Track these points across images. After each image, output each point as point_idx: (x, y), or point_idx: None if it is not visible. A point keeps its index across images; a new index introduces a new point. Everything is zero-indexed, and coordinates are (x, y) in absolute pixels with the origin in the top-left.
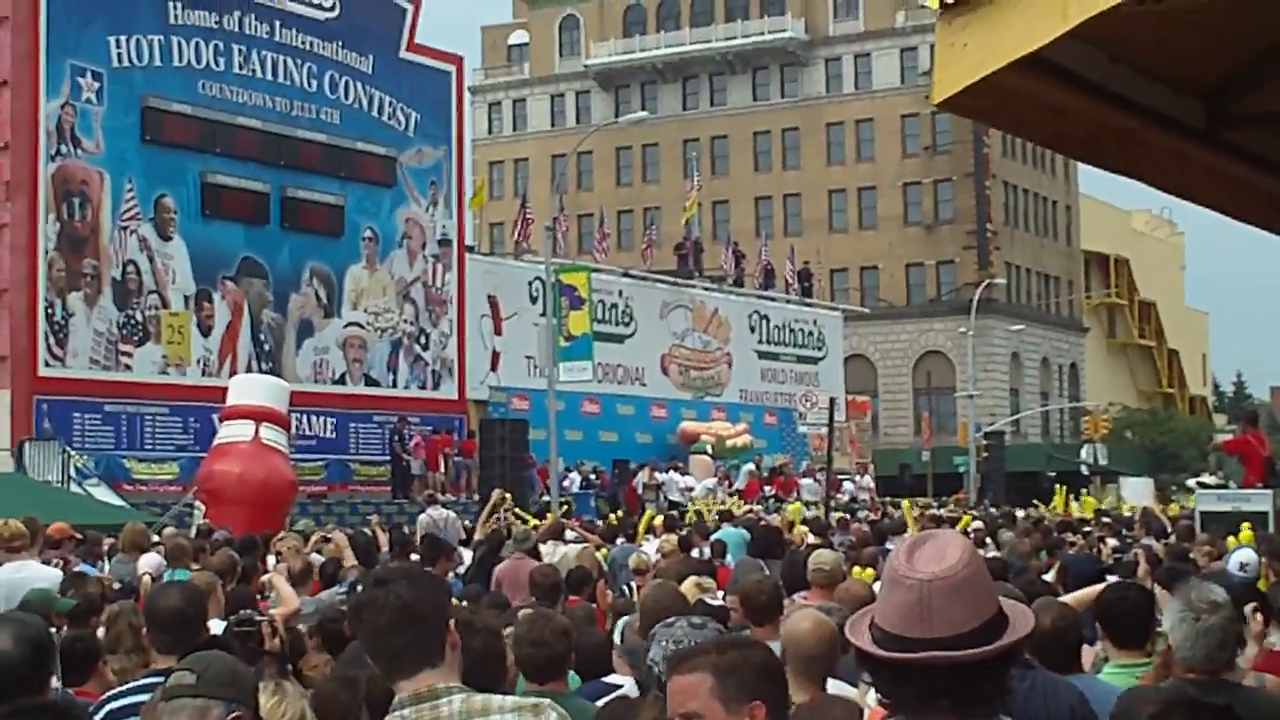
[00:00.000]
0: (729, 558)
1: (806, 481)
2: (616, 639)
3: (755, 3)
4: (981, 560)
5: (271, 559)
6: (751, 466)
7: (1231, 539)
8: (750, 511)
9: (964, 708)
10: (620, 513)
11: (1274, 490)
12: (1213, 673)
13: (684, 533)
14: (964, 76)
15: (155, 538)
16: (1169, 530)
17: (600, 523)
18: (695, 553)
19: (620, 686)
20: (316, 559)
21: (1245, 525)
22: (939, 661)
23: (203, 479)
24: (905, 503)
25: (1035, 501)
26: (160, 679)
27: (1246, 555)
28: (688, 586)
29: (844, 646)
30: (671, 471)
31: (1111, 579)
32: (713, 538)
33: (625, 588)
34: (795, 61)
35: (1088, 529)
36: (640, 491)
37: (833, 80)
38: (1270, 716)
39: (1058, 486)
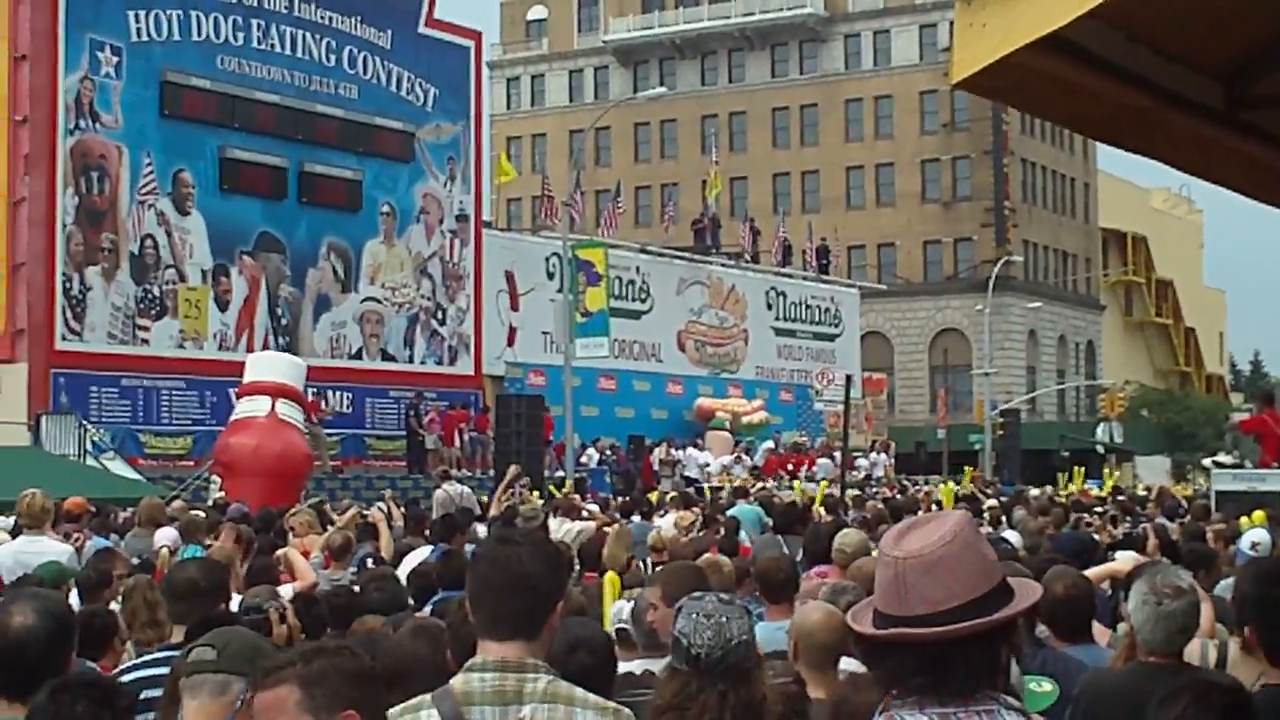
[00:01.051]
0: (742, 534)
1: (822, 460)
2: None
3: None
4: (973, 539)
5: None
6: (770, 444)
7: (1244, 519)
8: (764, 488)
9: (939, 685)
10: (636, 489)
11: None
12: (1172, 656)
13: (706, 510)
14: (983, 56)
15: (170, 511)
16: (1184, 509)
17: (615, 499)
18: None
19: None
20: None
21: (1259, 511)
22: (910, 639)
23: (219, 451)
24: (943, 488)
25: (1050, 480)
26: (175, 652)
27: (1259, 535)
28: (705, 562)
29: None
30: (689, 448)
31: (1124, 554)
32: (726, 514)
33: (640, 563)
34: (814, 38)
35: (1101, 508)
36: (656, 468)
37: (851, 57)
38: None
39: (1074, 468)
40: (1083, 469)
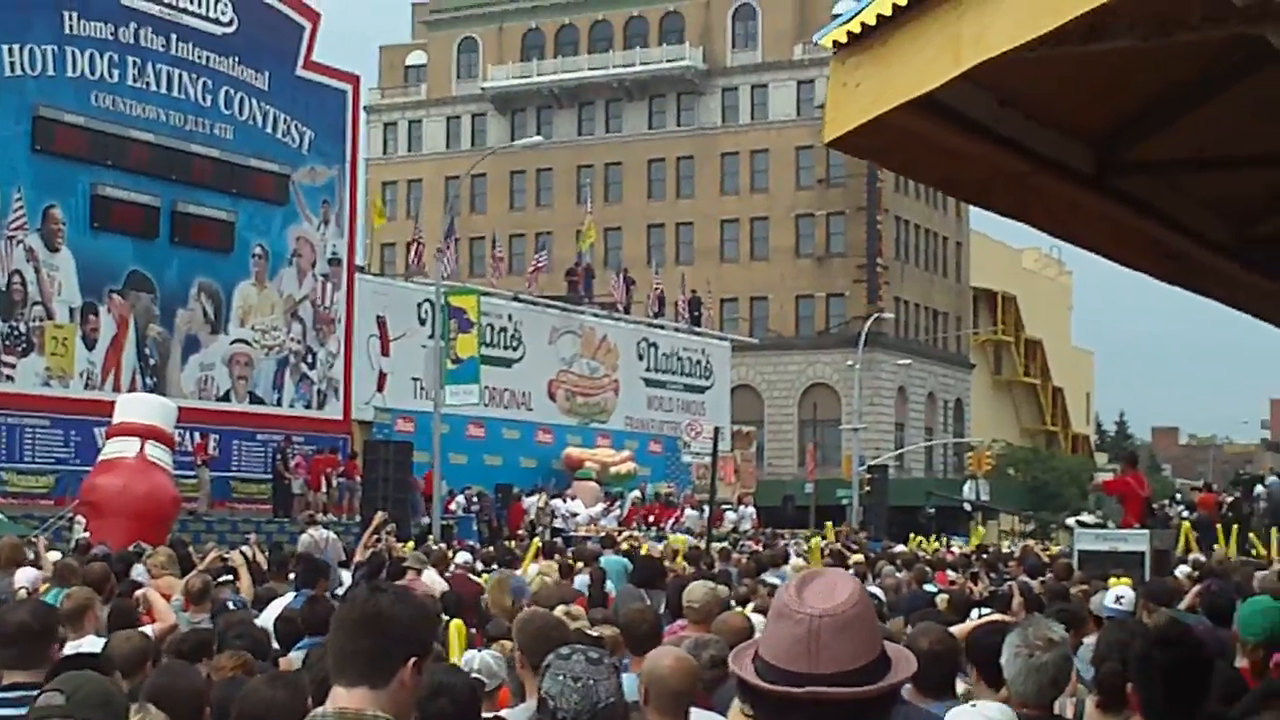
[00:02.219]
0: (609, 585)
1: (690, 512)
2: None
3: (654, 31)
4: (870, 601)
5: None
6: (637, 494)
7: (1113, 579)
8: (632, 538)
9: None
10: (501, 538)
11: (1150, 531)
12: (1043, 708)
13: (567, 559)
14: (856, 116)
15: (30, 553)
16: (1046, 568)
17: (479, 548)
18: (577, 581)
19: None
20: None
21: (1123, 579)
22: (826, 698)
23: (86, 491)
24: (811, 542)
25: (913, 537)
26: (7, 693)
27: (1123, 591)
28: (556, 614)
29: (723, 677)
30: (557, 498)
31: (985, 612)
32: (594, 565)
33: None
34: (692, 90)
35: (966, 566)
36: (534, 516)
37: (729, 110)
38: None
39: (938, 523)
40: (942, 531)
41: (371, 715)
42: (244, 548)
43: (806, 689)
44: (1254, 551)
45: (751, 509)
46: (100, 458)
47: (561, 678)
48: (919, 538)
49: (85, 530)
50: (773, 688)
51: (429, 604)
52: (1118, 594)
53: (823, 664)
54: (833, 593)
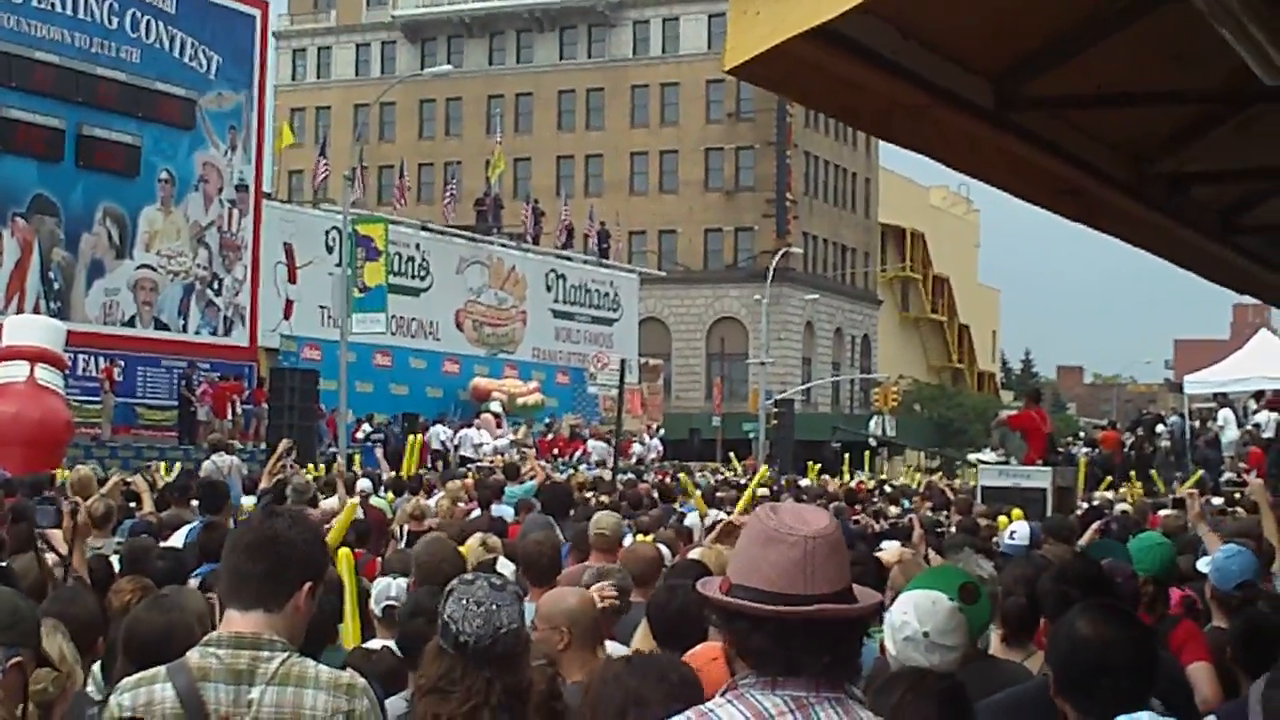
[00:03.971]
0: (507, 512)
1: (596, 443)
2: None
3: None
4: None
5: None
6: (544, 426)
7: (1003, 519)
8: (539, 469)
9: (836, 667)
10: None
11: (1053, 468)
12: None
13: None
14: (755, 44)
15: None
16: (950, 502)
17: (385, 476)
18: (495, 510)
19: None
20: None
21: (1017, 509)
22: (836, 614)
23: None
24: (683, 476)
25: (820, 473)
26: None
27: (1019, 526)
28: (473, 544)
29: (626, 608)
30: (464, 428)
31: (891, 544)
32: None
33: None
34: (603, 22)
35: (874, 501)
36: (437, 446)
37: (640, 43)
38: (1007, 687)
39: (845, 457)
40: (850, 462)
41: (268, 639)
42: (141, 474)
43: (816, 607)
44: (1158, 490)
45: (658, 441)
46: None
47: (465, 601)
48: (818, 466)
49: None
50: (778, 609)
51: (319, 533)
52: (1013, 529)
53: (817, 584)
54: (814, 516)
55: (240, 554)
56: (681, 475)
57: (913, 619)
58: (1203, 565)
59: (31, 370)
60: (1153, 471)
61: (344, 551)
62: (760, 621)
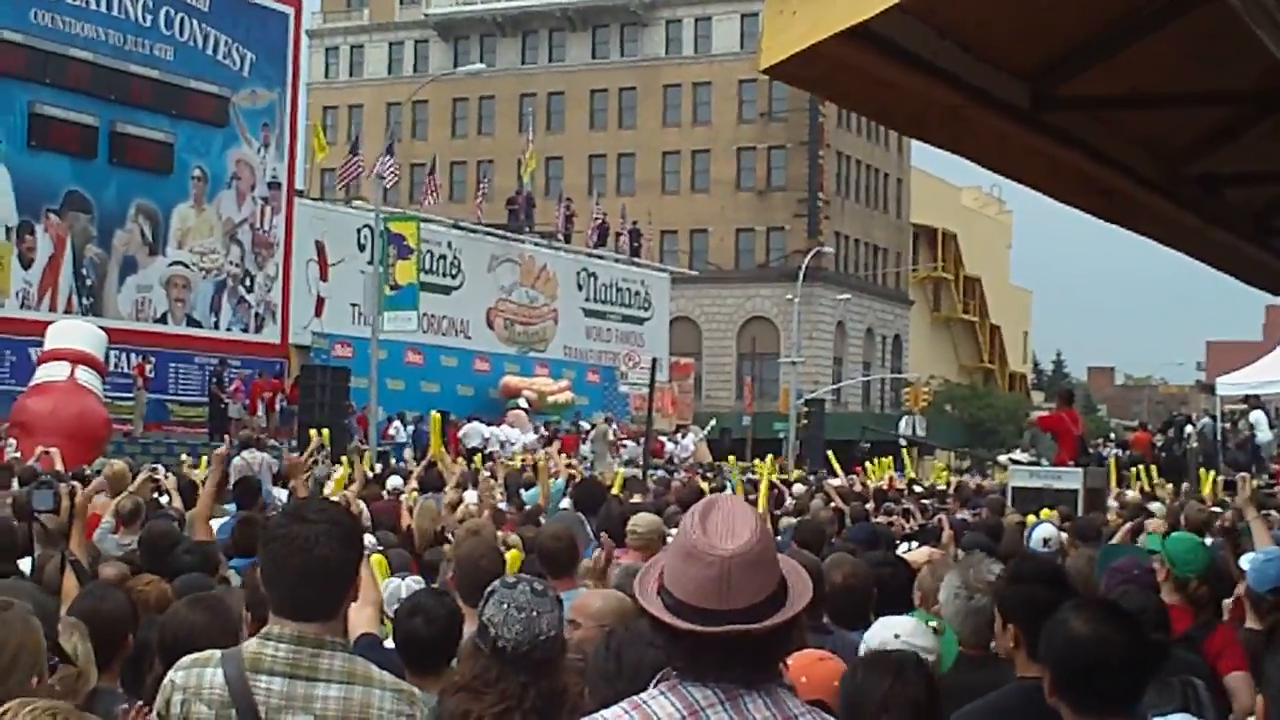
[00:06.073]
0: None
1: (628, 443)
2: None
3: None
4: (769, 531)
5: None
6: (571, 425)
7: (1031, 516)
8: (571, 466)
9: (752, 673)
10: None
11: (1084, 469)
12: (980, 648)
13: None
14: (792, 44)
15: None
16: (980, 503)
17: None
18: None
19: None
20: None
21: (1046, 509)
22: (738, 634)
23: (16, 412)
24: (731, 459)
25: (854, 470)
26: None
27: (1048, 530)
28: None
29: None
30: (493, 426)
31: (911, 545)
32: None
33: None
34: (636, 21)
35: (904, 502)
36: (475, 443)
37: (672, 42)
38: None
39: (878, 459)
40: (884, 460)
41: (330, 640)
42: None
43: (725, 627)
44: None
45: (689, 440)
46: (32, 382)
47: (505, 606)
48: (867, 465)
49: (16, 451)
50: (692, 627)
51: (356, 524)
52: (1043, 535)
53: (733, 600)
54: (737, 530)
55: (291, 580)
56: (730, 458)
57: (881, 630)
58: (1244, 562)
59: (72, 371)
60: (1204, 471)
61: (378, 558)
62: (678, 634)
